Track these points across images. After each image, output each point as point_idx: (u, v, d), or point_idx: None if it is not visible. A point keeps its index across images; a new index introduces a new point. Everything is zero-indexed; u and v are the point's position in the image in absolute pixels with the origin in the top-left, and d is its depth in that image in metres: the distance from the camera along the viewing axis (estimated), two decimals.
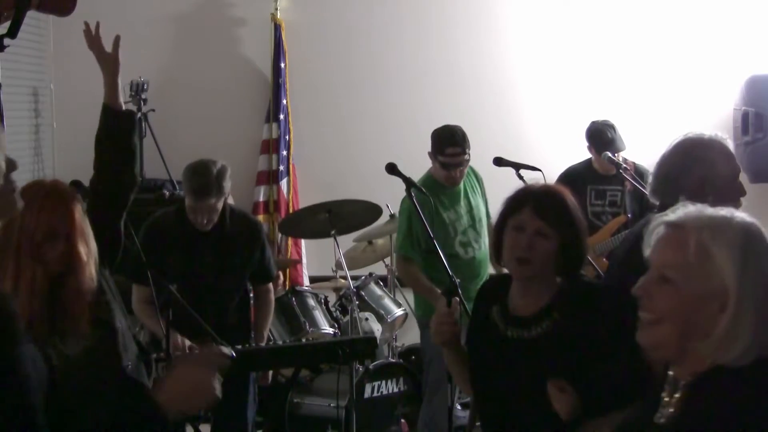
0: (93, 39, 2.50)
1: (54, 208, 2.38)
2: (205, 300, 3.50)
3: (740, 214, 1.51)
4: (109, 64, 2.43)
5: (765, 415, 1.38)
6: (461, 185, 4.19)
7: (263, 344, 3.84)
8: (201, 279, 3.58)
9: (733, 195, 2.46)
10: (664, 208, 2.41)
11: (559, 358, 2.17)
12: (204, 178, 3.49)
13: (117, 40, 2.45)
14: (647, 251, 1.56)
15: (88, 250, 2.45)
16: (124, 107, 2.50)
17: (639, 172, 4.65)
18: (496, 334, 2.29)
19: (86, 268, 2.44)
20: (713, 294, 1.43)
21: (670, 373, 1.55)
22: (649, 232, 1.56)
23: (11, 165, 1.54)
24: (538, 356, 2.21)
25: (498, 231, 2.31)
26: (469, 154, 4.07)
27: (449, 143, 4.05)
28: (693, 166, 2.46)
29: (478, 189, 4.29)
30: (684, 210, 1.53)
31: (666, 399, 1.53)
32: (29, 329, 2.33)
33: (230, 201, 4.62)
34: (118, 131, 2.34)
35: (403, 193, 3.35)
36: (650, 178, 2.60)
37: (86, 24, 2.41)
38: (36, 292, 2.36)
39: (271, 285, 3.95)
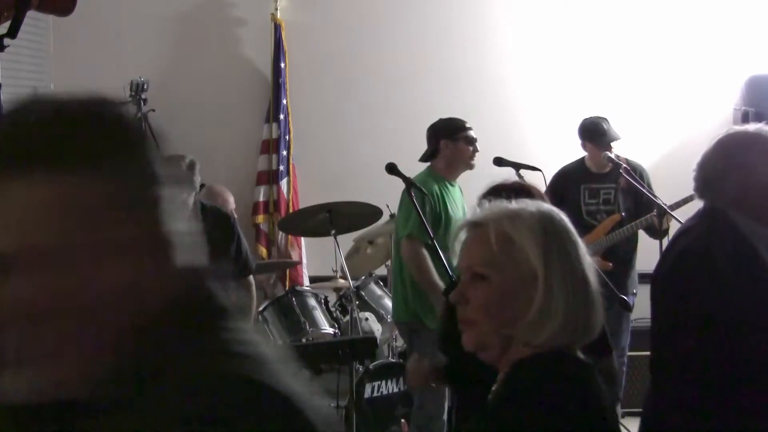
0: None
1: None
2: None
3: (537, 203, 1.56)
4: None
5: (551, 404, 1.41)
6: (457, 187, 4.23)
7: None
8: None
9: None
10: (713, 210, 2.35)
11: None
12: None
13: None
14: (455, 260, 1.59)
15: None
16: None
17: (632, 168, 4.64)
18: None
19: None
20: (524, 278, 1.47)
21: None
22: (453, 239, 1.59)
23: None
24: None
25: None
26: None
27: (462, 121, 4.20)
28: (732, 172, 2.30)
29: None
30: (481, 208, 1.58)
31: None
32: None
33: (231, 201, 4.63)
34: None
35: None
36: (694, 176, 2.44)
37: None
38: None
39: (252, 279, 3.92)
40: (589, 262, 1.52)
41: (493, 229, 1.50)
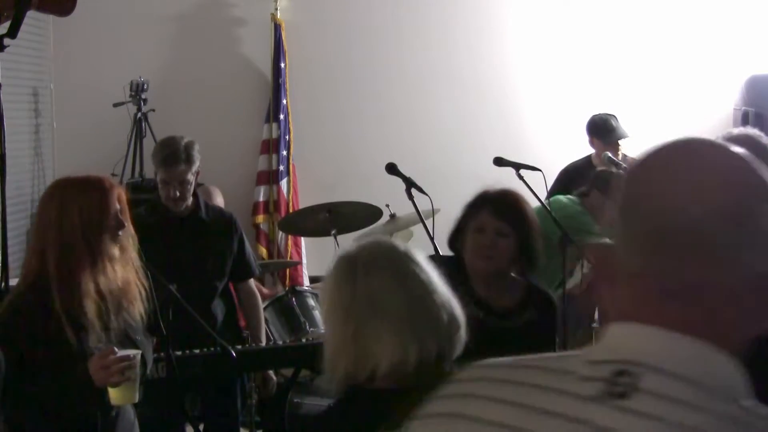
0: None
1: (112, 195, 2.43)
2: (189, 294, 3.39)
3: (377, 239, 1.79)
4: None
5: None
6: None
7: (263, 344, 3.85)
8: (181, 268, 3.46)
9: None
10: None
11: (540, 347, 2.27)
12: (172, 147, 3.52)
13: None
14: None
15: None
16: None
17: None
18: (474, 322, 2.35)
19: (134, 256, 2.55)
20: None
21: None
22: None
23: None
24: (525, 343, 2.28)
25: (459, 233, 2.56)
26: None
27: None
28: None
29: None
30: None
31: None
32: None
33: (220, 201, 4.62)
34: None
35: (403, 193, 3.35)
36: None
37: None
38: (117, 271, 2.45)
39: (253, 285, 3.88)
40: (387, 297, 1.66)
41: None
